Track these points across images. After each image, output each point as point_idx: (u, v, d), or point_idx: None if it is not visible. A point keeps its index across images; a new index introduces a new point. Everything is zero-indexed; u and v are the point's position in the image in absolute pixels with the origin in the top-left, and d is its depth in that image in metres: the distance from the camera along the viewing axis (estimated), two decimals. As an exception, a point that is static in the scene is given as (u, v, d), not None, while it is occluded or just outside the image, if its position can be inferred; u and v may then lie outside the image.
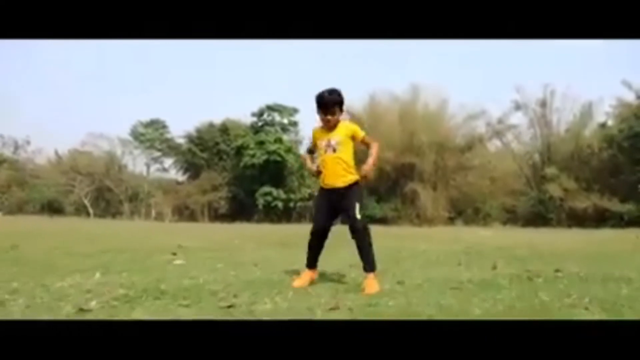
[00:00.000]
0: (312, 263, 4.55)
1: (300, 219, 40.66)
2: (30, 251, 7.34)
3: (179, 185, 46.84)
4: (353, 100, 37.45)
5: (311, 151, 4.64)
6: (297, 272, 4.89)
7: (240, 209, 40.74)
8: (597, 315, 3.32)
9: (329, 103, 4.18)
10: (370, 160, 4.28)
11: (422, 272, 5.39)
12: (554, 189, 32.31)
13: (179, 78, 69.11)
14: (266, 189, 39.88)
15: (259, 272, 5.27)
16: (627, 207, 30.40)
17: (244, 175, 41.30)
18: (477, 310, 3.43)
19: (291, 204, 40.88)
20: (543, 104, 34.76)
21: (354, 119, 37.56)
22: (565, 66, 52.35)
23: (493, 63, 58.81)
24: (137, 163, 48.74)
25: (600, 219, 31.00)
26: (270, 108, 41.88)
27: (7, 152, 47.72)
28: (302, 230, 20.64)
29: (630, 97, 33.44)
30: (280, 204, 40.07)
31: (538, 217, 32.65)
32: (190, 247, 8.58)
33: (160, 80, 68.02)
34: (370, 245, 4.25)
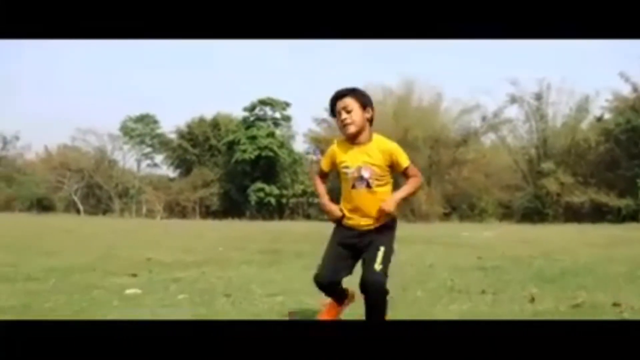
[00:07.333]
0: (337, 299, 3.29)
1: (292, 215, 40.11)
2: None
3: (171, 182, 46.19)
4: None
5: (323, 174, 3.27)
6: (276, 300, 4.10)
7: (232, 206, 40.15)
8: None
9: (340, 95, 3.03)
10: (399, 195, 3.04)
11: (439, 310, 4.13)
12: (550, 184, 31.91)
13: (170, 72, 67.99)
14: (258, 185, 39.30)
15: (229, 307, 4.20)
16: (625, 202, 30.03)
17: (235, 171, 40.69)
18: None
19: (284, 200, 40.33)
20: (539, 97, 34.26)
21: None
22: (561, 59, 51.62)
23: (488, 56, 58.16)
24: (127, 159, 48.03)
25: (597, 213, 30.63)
26: (262, 102, 41.19)
27: (-4, 149, 46.93)
28: (295, 228, 19.08)
29: (626, 90, 33.00)
30: (273, 200, 39.51)
31: (534, 213, 32.25)
32: (159, 261, 7.26)
33: (151, 75, 66.95)
34: (383, 316, 2.94)
